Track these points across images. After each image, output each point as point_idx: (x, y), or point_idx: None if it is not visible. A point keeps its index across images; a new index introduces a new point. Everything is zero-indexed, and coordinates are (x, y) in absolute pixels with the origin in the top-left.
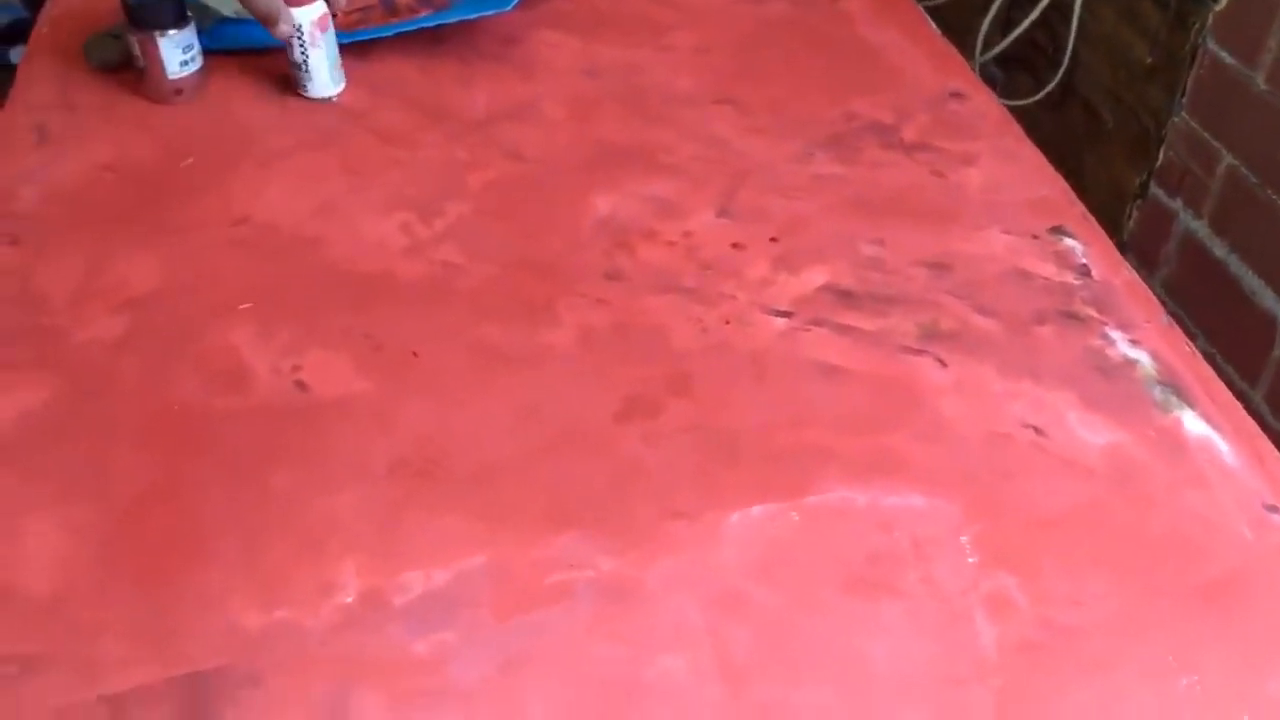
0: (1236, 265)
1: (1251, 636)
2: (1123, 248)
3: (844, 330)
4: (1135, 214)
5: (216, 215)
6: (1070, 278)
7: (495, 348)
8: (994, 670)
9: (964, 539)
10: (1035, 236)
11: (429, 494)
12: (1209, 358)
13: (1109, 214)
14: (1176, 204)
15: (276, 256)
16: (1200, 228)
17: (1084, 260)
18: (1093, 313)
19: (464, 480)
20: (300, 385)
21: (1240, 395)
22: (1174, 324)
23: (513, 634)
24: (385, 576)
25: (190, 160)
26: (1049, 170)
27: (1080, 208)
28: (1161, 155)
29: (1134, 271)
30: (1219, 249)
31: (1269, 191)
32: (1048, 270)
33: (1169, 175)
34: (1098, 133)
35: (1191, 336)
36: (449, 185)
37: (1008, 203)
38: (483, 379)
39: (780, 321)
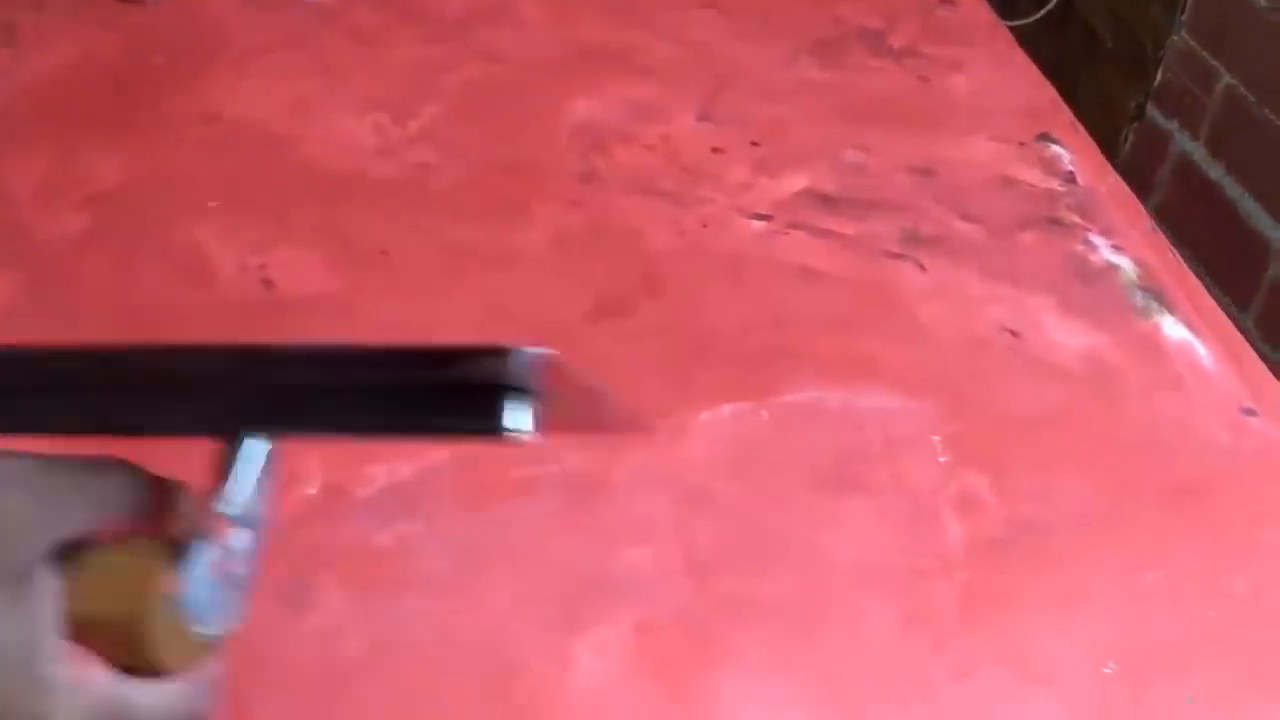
0: (1232, 187)
1: (1220, 536)
2: (1118, 171)
3: (823, 234)
4: (1131, 136)
5: (186, 113)
6: (1055, 184)
7: (467, 247)
8: (959, 565)
9: (936, 439)
10: (1021, 143)
11: None
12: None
13: (1105, 136)
14: (1173, 125)
15: (246, 155)
16: (1196, 149)
17: (1070, 167)
18: (1076, 219)
19: None
20: (266, 283)
21: (1232, 319)
22: (1158, 230)
23: (476, 526)
24: (349, 470)
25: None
26: (1038, 77)
27: (1068, 115)
28: (1159, 75)
29: (1119, 179)
30: (1215, 171)
31: (1267, 111)
32: (1033, 177)
33: (1166, 96)
34: (1096, 53)
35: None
36: (423, 86)
37: (995, 109)
38: (453, 278)
39: (758, 224)
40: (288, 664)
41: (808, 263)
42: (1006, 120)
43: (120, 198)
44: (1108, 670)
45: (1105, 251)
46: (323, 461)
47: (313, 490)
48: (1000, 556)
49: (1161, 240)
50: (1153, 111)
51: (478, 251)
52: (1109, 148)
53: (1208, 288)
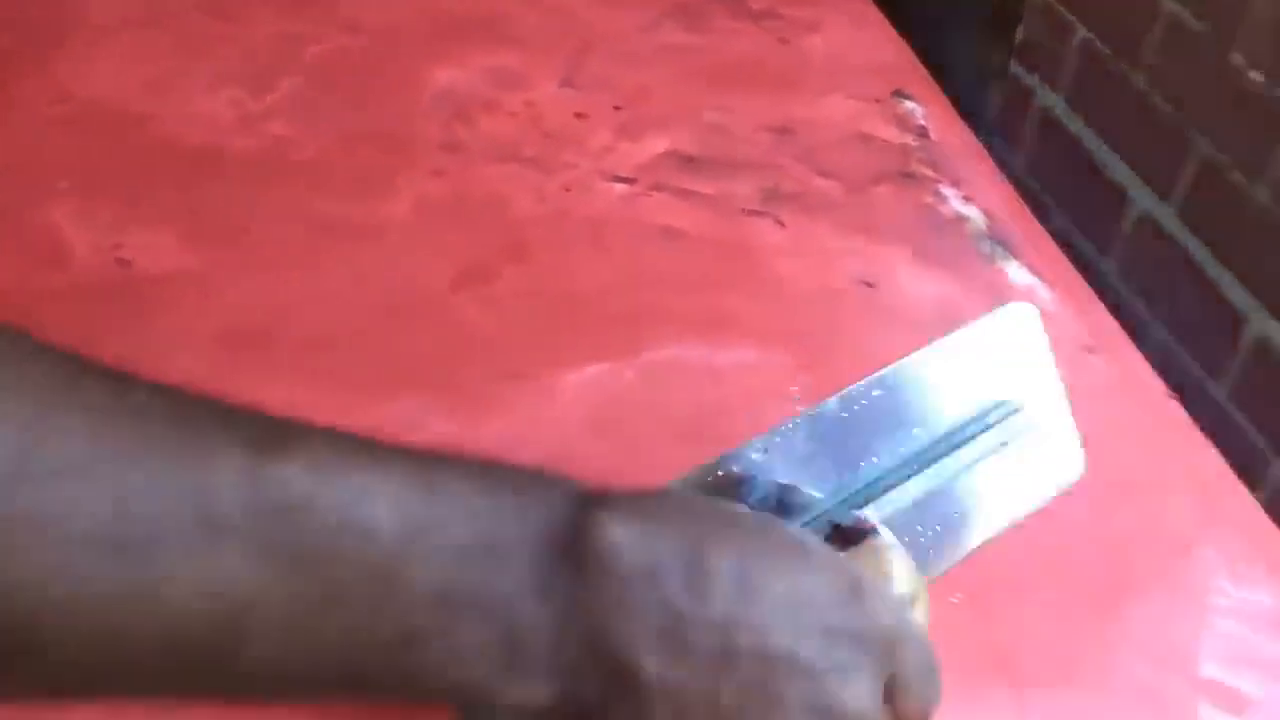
0: (1091, 140)
1: None
2: (987, 128)
3: (684, 194)
4: (997, 94)
5: (37, 94)
6: (909, 139)
7: (329, 221)
8: None
9: (794, 389)
10: (877, 100)
11: (258, 363)
12: (1065, 233)
13: (972, 95)
14: (1034, 80)
15: (100, 135)
16: (1058, 104)
17: (923, 122)
18: (928, 172)
19: (295, 350)
20: (122, 263)
21: (1093, 267)
22: (1005, 180)
23: None
24: None
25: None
26: (892, 35)
27: (922, 71)
28: (1020, 32)
29: (970, 132)
30: (1075, 125)
31: (1121, 64)
32: (888, 133)
33: (1027, 53)
34: (961, 13)
35: (1049, 214)
36: (282, 59)
37: (851, 68)
38: (315, 252)
39: (621, 188)
40: None
41: (669, 223)
42: (863, 78)
43: None
44: (954, 600)
45: (955, 202)
46: None
47: None
48: None
49: (1008, 189)
50: (1016, 68)
51: (340, 224)
52: (978, 106)
53: (1072, 239)
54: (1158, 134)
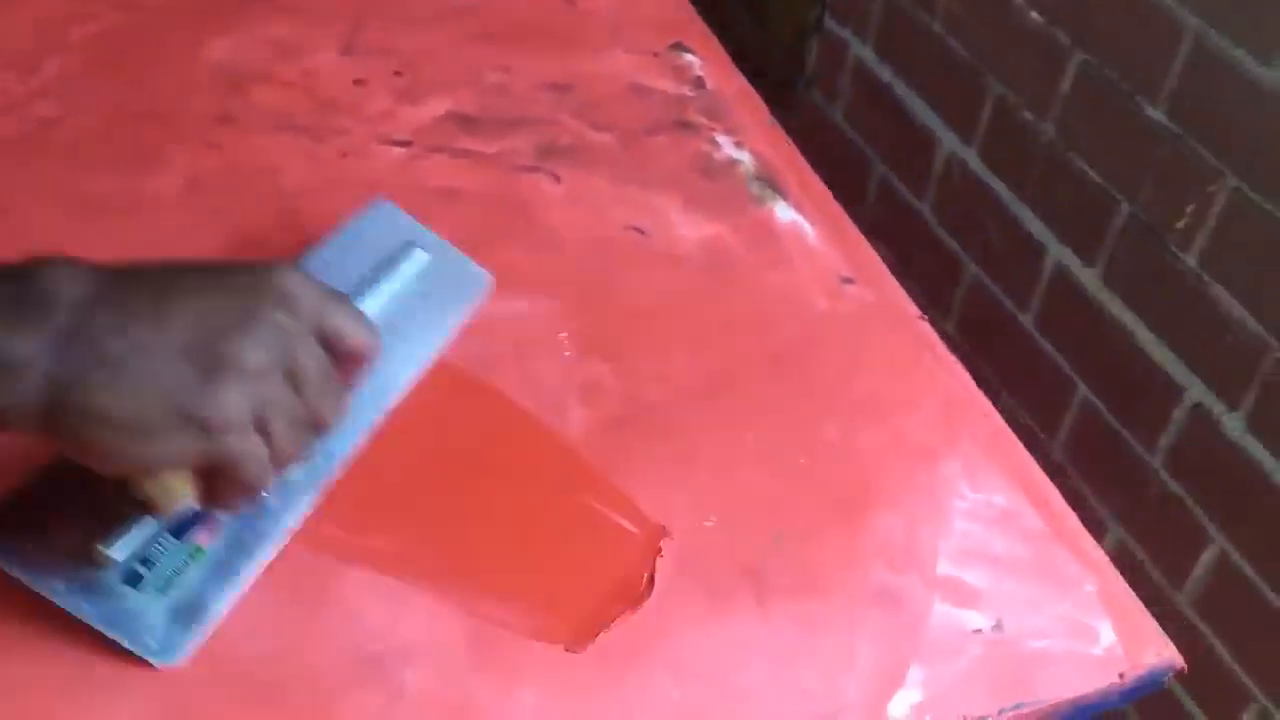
0: (902, 89)
1: (814, 392)
2: (806, 84)
3: (462, 154)
4: (814, 49)
5: None
6: (686, 90)
7: (95, 199)
8: (580, 445)
9: (563, 336)
10: (656, 54)
11: None
12: (886, 181)
13: (794, 53)
14: (847, 33)
15: None
16: (868, 55)
17: (700, 73)
18: (703, 120)
19: None
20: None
21: (913, 209)
22: (776, 125)
23: None
24: None
25: None
26: None
27: (701, 25)
28: None
29: (746, 80)
30: (885, 74)
31: (921, 12)
32: (665, 84)
33: (839, 5)
34: None
35: (870, 162)
36: (50, 40)
37: (632, 23)
38: (80, 230)
39: (398, 151)
40: None
41: (447, 184)
42: (642, 33)
43: None
44: (709, 524)
45: (728, 149)
46: None
47: None
48: (619, 434)
49: (779, 134)
50: (830, 22)
51: (106, 202)
52: (798, 63)
53: (892, 184)
54: (957, 78)
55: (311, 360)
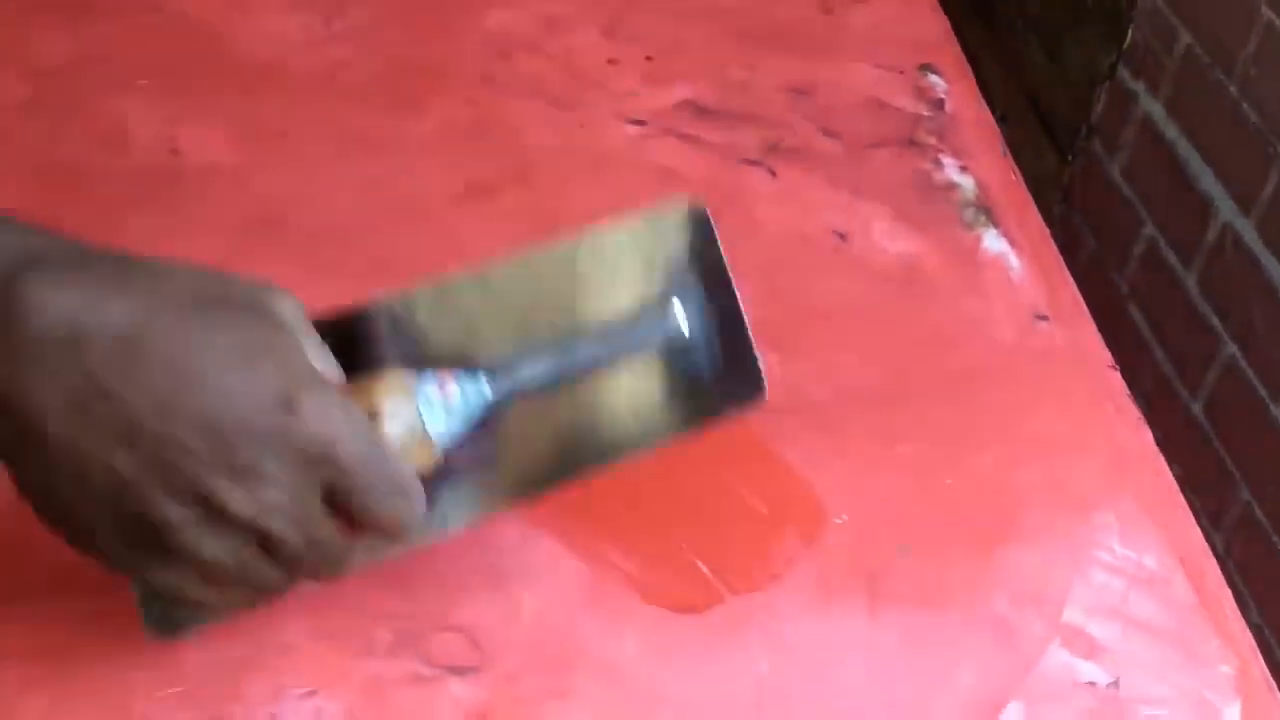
0: (1185, 149)
1: (980, 420)
2: (1089, 133)
3: (691, 140)
4: (1103, 96)
5: (133, 3)
6: (924, 110)
7: (360, 133)
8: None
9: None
10: (902, 72)
11: (271, 246)
12: (1154, 242)
13: (1083, 100)
14: (1139, 86)
15: (180, 42)
16: (1157, 110)
17: (941, 96)
18: (932, 140)
19: (304, 238)
20: (174, 152)
21: (1174, 273)
22: (1009, 155)
23: None
24: None
25: None
26: (937, 13)
27: (956, 49)
28: (1129, 35)
29: (987, 109)
30: (1171, 131)
31: (1219, 72)
32: (904, 102)
33: (1134, 56)
34: (1079, 12)
35: (1140, 221)
36: None
37: (886, 40)
38: (340, 157)
39: (633, 129)
40: None
41: (669, 165)
42: (894, 50)
43: (62, 73)
44: (839, 520)
45: (951, 171)
46: None
47: None
48: (771, 421)
49: (1009, 164)
50: (1122, 71)
51: (369, 137)
52: (1084, 109)
53: (1160, 249)
54: (1246, 144)
55: (296, 535)
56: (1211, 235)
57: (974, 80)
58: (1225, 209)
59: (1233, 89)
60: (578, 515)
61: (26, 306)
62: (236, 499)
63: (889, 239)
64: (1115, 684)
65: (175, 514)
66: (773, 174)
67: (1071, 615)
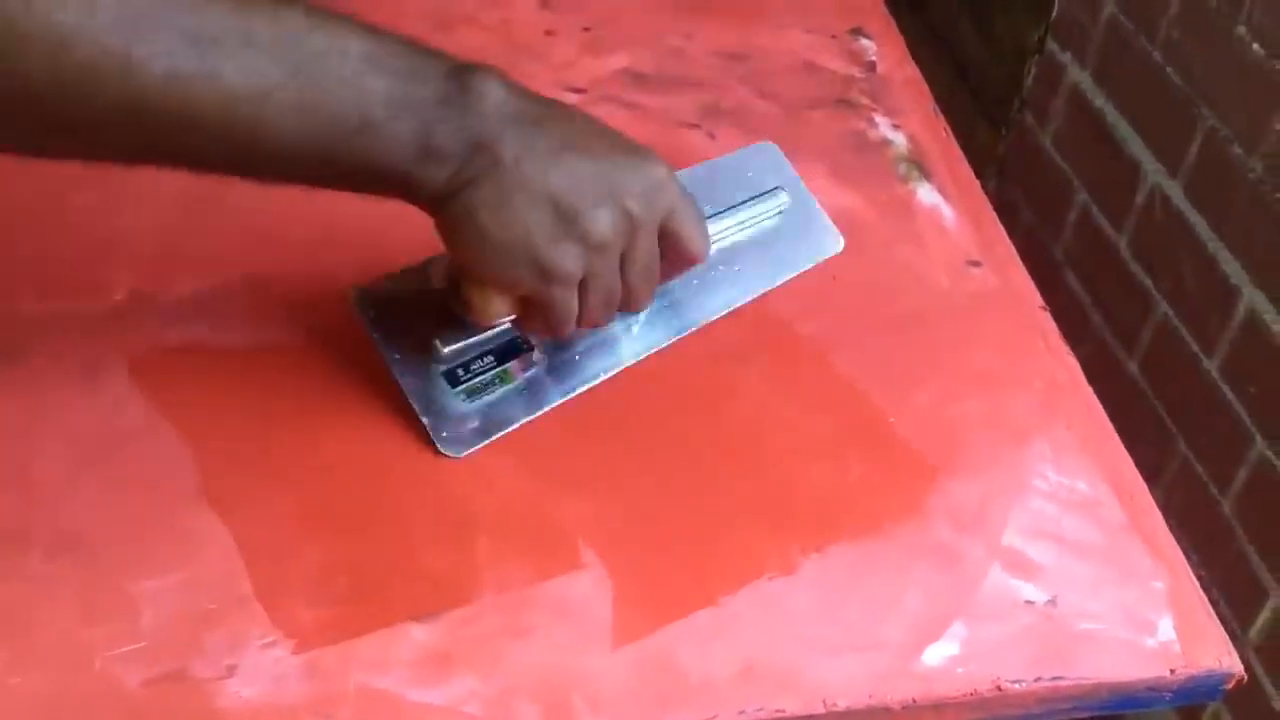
0: (1113, 116)
1: (918, 361)
2: (1021, 105)
3: (630, 106)
4: (1033, 70)
5: None
6: (856, 72)
7: None
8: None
9: None
10: (834, 36)
11: (216, 218)
12: (1086, 209)
13: (1014, 74)
14: (1066, 57)
15: None
16: (1085, 79)
17: (873, 59)
18: (865, 100)
19: (249, 208)
20: None
21: (1107, 237)
22: (939, 113)
23: (262, 327)
24: (158, 283)
25: None
26: None
27: (884, 13)
28: (1056, 6)
29: (917, 69)
30: (1099, 99)
31: (1142, 39)
32: (836, 65)
33: (1060, 27)
34: None
35: (1073, 189)
36: None
37: (817, 6)
38: None
39: (573, 96)
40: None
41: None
42: (825, 15)
43: None
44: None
45: (884, 129)
46: (133, 274)
47: (119, 296)
48: (728, 369)
49: (940, 122)
50: (1052, 45)
51: None
52: (1016, 83)
53: (1092, 214)
54: (1170, 109)
55: (645, 252)
56: (1141, 198)
57: (903, 42)
58: (1153, 172)
59: (1156, 55)
60: (532, 456)
61: (496, 84)
62: (602, 222)
63: (826, 194)
64: (1053, 602)
65: (597, 218)
66: (712, 136)
67: (1010, 539)
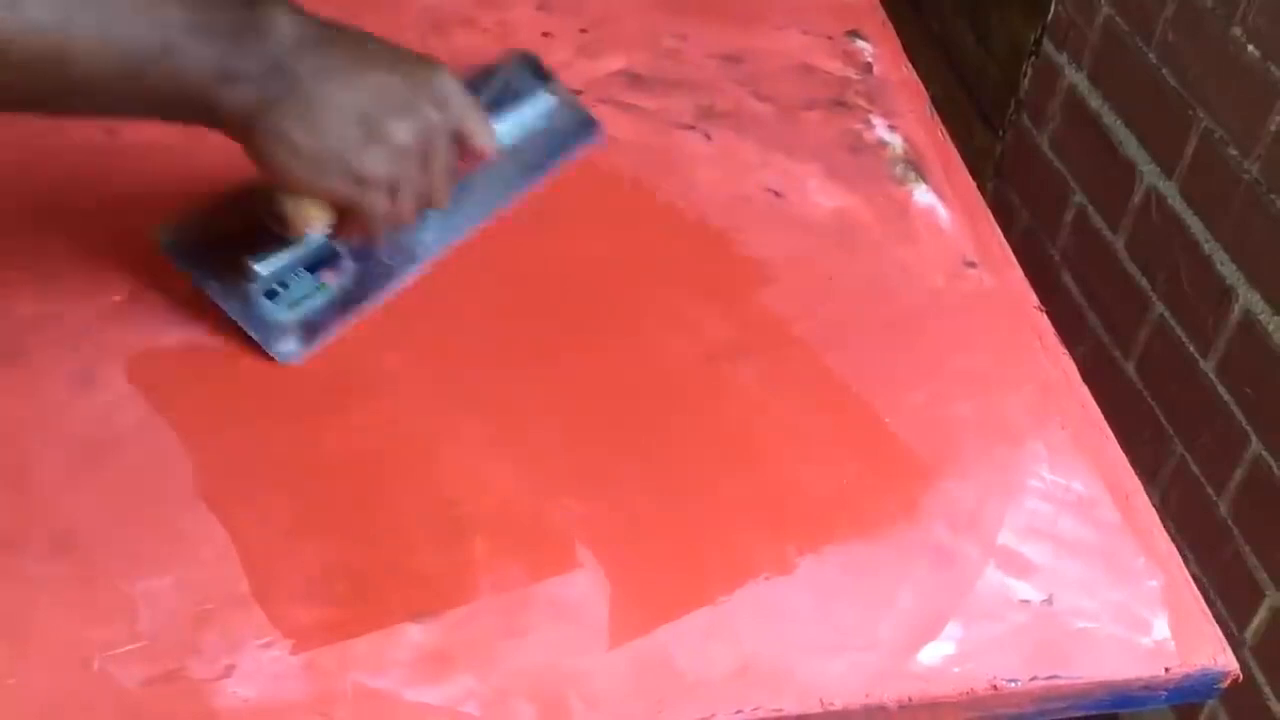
0: (1110, 118)
1: (915, 361)
2: (1018, 107)
3: (626, 108)
4: (1030, 72)
5: None
6: (852, 73)
7: None
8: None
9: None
10: (830, 38)
11: None
12: (1083, 210)
13: (1010, 75)
14: (1063, 58)
15: None
16: (1081, 81)
17: (869, 60)
18: (862, 102)
19: None
20: (109, 131)
21: (1103, 238)
22: (935, 115)
23: None
24: (156, 283)
25: None
26: None
27: (881, 15)
28: (1052, 8)
29: (913, 71)
30: (1095, 101)
31: (1138, 40)
32: (833, 66)
33: (1057, 29)
34: None
35: (1070, 190)
36: None
37: (814, 7)
38: None
39: None
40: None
41: (606, 131)
42: (821, 17)
43: None
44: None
45: (880, 130)
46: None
47: (118, 298)
48: (726, 370)
49: (936, 123)
50: (1047, 45)
51: None
52: (1012, 85)
53: (1087, 214)
54: (1166, 110)
55: (443, 151)
56: (1137, 199)
57: (899, 44)
58: (1149, 173)
59: (1152, 56)
60: (530, 457)
61: (294, 12)
62: (404, 129)
63: (823, 195)
64: (1049, 601)
65: (400, 125)
66: (708, 137)
67: (1005, 539)
